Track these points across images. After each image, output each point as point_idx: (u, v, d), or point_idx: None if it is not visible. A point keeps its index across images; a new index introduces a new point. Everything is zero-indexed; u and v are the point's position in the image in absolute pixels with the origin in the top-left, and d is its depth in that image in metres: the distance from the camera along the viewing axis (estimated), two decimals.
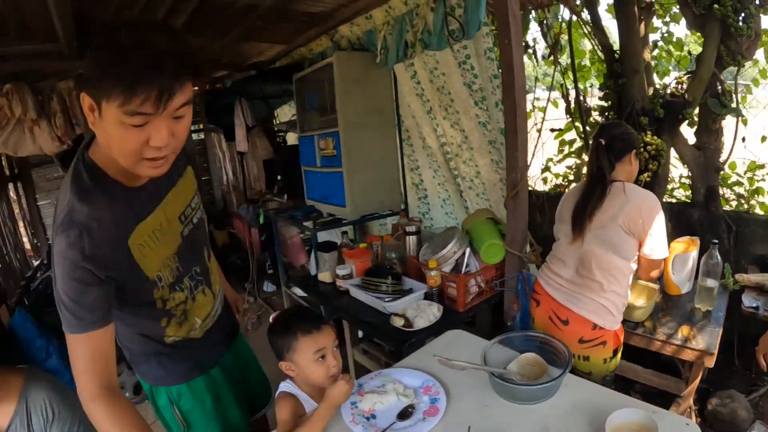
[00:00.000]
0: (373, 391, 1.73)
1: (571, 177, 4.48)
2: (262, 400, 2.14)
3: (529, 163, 2.80)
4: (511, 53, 2.50)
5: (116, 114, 1.10)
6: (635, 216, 2.20)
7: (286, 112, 7.42)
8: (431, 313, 2.63)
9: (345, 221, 4.22)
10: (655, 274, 2.39)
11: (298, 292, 4.82)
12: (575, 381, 1.72)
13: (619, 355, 2.38)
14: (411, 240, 3.22)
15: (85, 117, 1.18)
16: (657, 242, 2.24)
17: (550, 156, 4.54)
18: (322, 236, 4.44)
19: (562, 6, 3.65)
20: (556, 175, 4.63)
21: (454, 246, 2.87)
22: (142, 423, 1.36)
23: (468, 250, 2.89)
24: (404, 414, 1.62)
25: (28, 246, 6.57)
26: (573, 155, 4.38)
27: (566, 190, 4.30)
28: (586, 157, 4.20)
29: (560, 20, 3.83)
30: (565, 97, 3.98)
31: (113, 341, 1.39)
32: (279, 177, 5.76)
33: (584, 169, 4.17)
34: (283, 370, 1.72)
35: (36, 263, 6.31)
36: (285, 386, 1.74)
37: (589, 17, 3.67)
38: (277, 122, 7.23)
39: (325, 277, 3.41)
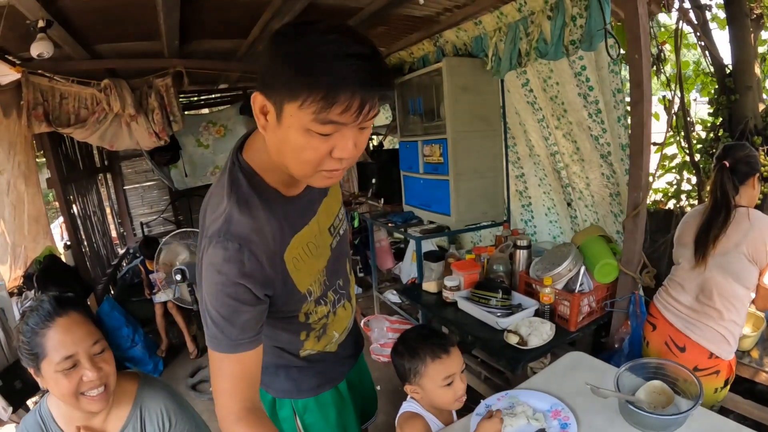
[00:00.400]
0: (503, 413, 1.78)
1: (671, 193, 4.44)
2: (371, 411, 2.17)
3: None
4: (641, 69, 2.53)
5: (305, 120, 1.06)
6: (759, 245, 2.23)
7: (380, 116, 7.52)
8: (544, 331, 2.69)
9: (448, 230, 4.27)
10: None
11: (391, 297, 4.93)
12: (699, 410, 1.73)
13: (729, 386, 2.40)
14: (521, 254, 3.27)
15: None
16: None
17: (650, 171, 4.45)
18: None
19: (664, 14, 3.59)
20: (655, 191, 4.57)
21: (570, 264, 2.91)
22: None
23: (583, 269, 2.92)
24: None
25: (114, 234, 7.04)
26: (674, 171, 4.39)
27: (669, 207, 4.27)
28: (687, 174, 4.24)
29: (662, 29, 3.79)
30: (668, 109, 3.94)
31: (261, 361, 1.34)
32: (374, 180, 5.89)
33: (684, 185, 4.21)
34: (408, 393, 1.82)
35: (122, 252, 6.72)
36: (410, 406, 1.81)
37: (697, 28, 3.61)
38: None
39: (430, 286, 3.50)
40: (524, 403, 1.86)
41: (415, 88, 4.45)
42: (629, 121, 2.79)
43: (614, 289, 3.01)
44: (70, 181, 5.16)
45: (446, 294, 3.25)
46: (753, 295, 2.35)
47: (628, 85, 2.87)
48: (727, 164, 2.32)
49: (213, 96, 7.26)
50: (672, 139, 4.15)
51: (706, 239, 2.33)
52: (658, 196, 4.60)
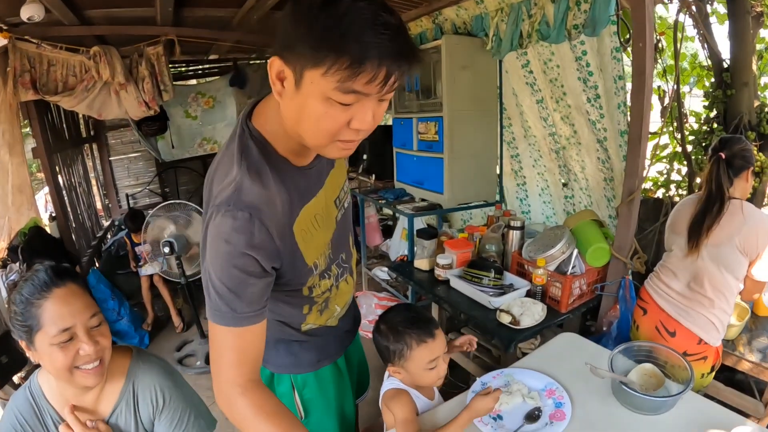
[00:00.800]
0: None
1: (661, 182, 4.47)
2: (364, 386, 2.17)
3: None
4: (644, 58, 2.54)
5: (326, 88, 1.02)
6: (752, 238, 2.28)
7: None
8: (536, 311, 2.72)
9: (440, 208, 4.29)
10: (757, 295, 2.54)
11: (379, 274, 4.95)
12: (689, 394, 1.75)
13: (714, 372, 2.47)
14: (514, 235, 3.28)
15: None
16: (766, 264, 2.33)
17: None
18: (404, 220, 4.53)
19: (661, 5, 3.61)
20: (645, 179, 4.50)
21: (563, 246, 2.93)
22: (291, 415, 1.28)
23: (576, 251, 2.95)
24: (532, 416, 1.72)
25: (99, 206, 6.91)
26: (665, 161, 4.39)
27: (658, 195, 4.32)
28: (677, 165, 4.25)
29: (659, 20, 3.79)
30: (662, 99, 3.96)
31: (265, 336, 1.31)
32: (365, 156, 5.83)
33: (673, 175, 4.25)
34: (390, 373, 1.84)
35: (107, 224, 6.62)
36: (393, 383, 1.83)
37: (698, 20, 3.62)
38: None
39: (422, 264, 3.51)
40: (519, 381, 1.91)
41: None
42: (629, 108, 2.83)
43: (605, 273, 3.05)
44: (56, 151, 5.05)
45: (438, 272, 3.26)
46: (742, 286, 2.43)
47: (628, 70, 2.89)
48: (723, 156, 2.36)
49: (202, 67, 7.14)
50: (665, 129, 4.08)
51: (699, 229, 2.38)
52: (648, 185, 4.59)
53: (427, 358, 1.73)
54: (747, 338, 2.70)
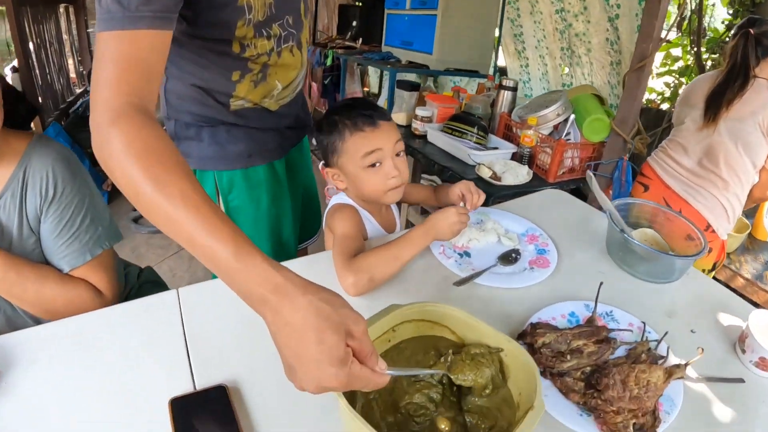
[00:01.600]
0: (469, 226, 1.42)
1: (668, 94, 4.29)
2: (313, 228, 1.87)
3: None
4: None
5: None
6: None
7: None
8: (520, 173, 2.40)
9: (427, 68, 3.90)
10: None
11: None
12: (693, 270, 1.41)
13: (715, 272, 2.29)
14: (505, 96, 2.91)
15: None
16: None
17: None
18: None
19: None
20: (650, 90, 4.40)
21: (559, 108, 2.57)
22: (173, 158, 0.76)
23: (572, 118, 2.58)
24: (507, 258, 1.34)
25: (73, 75, 6.46)
26: (674, 74, 4.21)
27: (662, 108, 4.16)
28: (684, 81, 4.10)
29: None
30: (681, 8, 3.64)
31: (165, 56, 0.93)
32: (354, 23, 5.36)
33: (680, 91, 4.00)
34: (329, 180, 1.43)
35: (79, 91, 6.25)
36: (340, 198, 1.44)
37: None
38: None
39: (399, 118, 3.15)
40: (495, 221, 1.51)
41: None
42: None
43: (601, 152, 2.70)
44: (25, 4, 4.53)
45: (416, 125, 2.91)
46: (756, 179, 2.20)
47: None
48: (752, 32, 2.06)
49: None
50: (678, 42, 4.03)
51: (719, 101, 2.11)
52: (653, 96, 4.45)
53: (363, 150, 1.29)
54: (743, 257, 2.63)
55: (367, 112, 1.31)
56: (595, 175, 2.62)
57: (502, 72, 4.47)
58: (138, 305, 1.10)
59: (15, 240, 1.18)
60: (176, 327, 1.04)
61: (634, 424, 0.84)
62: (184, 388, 0.88)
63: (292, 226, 1.64)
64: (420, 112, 2.87)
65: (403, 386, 0.84)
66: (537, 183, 2.47)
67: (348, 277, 1.12)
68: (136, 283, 1.55)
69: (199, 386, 0.89)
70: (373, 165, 1.31)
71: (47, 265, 1.22)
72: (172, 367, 0.94)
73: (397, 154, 1.34)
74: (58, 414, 0.83)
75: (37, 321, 1.20)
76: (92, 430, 0.81)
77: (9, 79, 4.26)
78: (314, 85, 5.39)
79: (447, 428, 0.79)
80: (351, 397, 0.76)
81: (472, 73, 4.06)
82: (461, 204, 1.37)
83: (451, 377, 0.83)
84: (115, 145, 0.75)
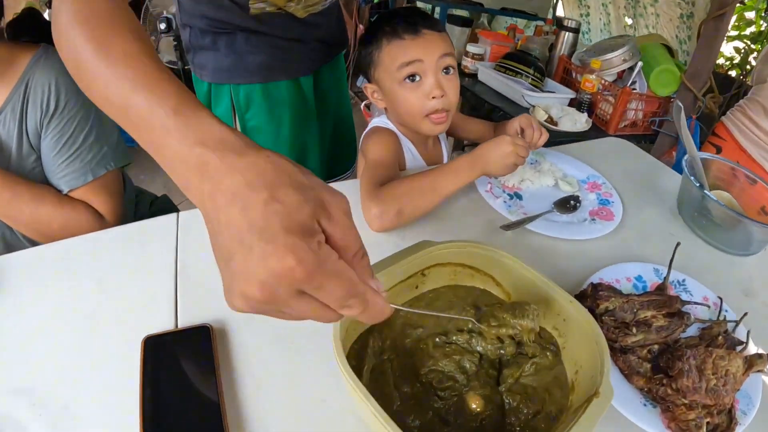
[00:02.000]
0: (523, 165, 1.16)
1: (737, 60, 3.97)
2: (343, 164, 1.64)
3: None
4: None
5: None
6: None
7: None
8: (579, 120, 2.17)
9: (481, 6, 3.63)
10: None
11: None
12: None
13: None
14: (566, 37, 2.66)
15: None
16: None
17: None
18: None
19: None
20: (720, 54, 4.01)
21: (625, 54, 2.30)
22: (135, 27, 0.58)
23: (640, 65, 2.30)
24: (565, 205, 1.13)
25: None
26: (746, 39, 3.89)
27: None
28: (756, 48, 3.80)
29: None
30: None
31: None
32: None
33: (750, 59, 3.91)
34: (369, 97, 1.21)
35: None
36: (381, 121, 1.23)
37: None
38: None
39: None
40: (552, 163, 1.29)
41: None
42: None
43: (668, 107, 2.41)
44: None
45: (466, 62, 2.66)
46: None
47: None
48: None
49: None
50: (754, 5, 3.74)
51: None
52: (721, 61, 4.08)
53: (400, 60, 1.06)
54: None
55: (412, 19, 1.08)
56: (660, 132, 2.38)
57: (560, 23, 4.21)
58: (132, 229, 0.98)
59: (14, 158, 1.10)
60: (169, 256, 0.88)
61: (708, 423, 0.65)
62: (164, 325, 0.75)
63: (319, 154, 1.43)
64: (471, 48, 2.64)
65: (428, 348, 0.64)
66: (595, 134, 2.23)
67: (372, 207, 0.92)
68: (147, 211, 1.41)
69: (182, 325, 0.76)
70: (412, 79, 1.08)
71: (46, 185, 1.12)
72: (155, 300, 0.81)
73: (445, 71, 1.10)
74: (23, 343, 0.73)
75: (35, 245, 1.05)
76: (60, 364, 0.70)
77: (46, 16, 4.13)
78: (361, 27, 5.12)
79: (479, 408, 0.59)
80: (358, 356, 0.57)
81: (530, 16, 3.78)
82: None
83: (482, 328, 0.62)
84: (63, 17, 0.59)
